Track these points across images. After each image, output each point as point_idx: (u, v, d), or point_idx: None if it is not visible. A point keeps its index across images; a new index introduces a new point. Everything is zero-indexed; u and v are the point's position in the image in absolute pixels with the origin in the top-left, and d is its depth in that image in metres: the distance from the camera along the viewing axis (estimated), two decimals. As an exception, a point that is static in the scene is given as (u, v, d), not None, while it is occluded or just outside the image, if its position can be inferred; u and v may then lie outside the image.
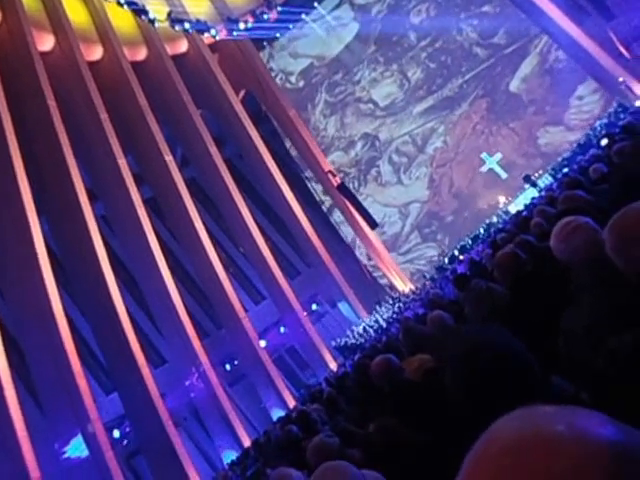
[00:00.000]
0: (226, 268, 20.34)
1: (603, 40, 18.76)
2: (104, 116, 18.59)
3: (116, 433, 17.45)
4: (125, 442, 17.80)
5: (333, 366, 18.00)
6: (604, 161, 5.60)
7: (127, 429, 17.66)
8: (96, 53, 20.65)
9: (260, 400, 18.72)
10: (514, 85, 22.26)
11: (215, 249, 19.91)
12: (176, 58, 22.33)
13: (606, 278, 1.71)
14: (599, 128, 17.77)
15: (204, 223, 20.22)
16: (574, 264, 2.16)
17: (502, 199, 20.40)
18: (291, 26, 24.48)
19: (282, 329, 20.76)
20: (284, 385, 18.50)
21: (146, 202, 19.41)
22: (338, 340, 18.96)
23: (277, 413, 16.72)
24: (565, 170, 15.32)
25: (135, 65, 21.03)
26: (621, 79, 18.96)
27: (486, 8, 22.62)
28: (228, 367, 20.01)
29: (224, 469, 14.73)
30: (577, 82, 21.18)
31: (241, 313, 18.96)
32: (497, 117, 22.23)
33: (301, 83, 24.29)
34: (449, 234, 21.96)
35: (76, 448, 15.02)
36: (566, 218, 2.25)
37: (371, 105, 23.85)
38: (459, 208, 22.47)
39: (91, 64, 19.82)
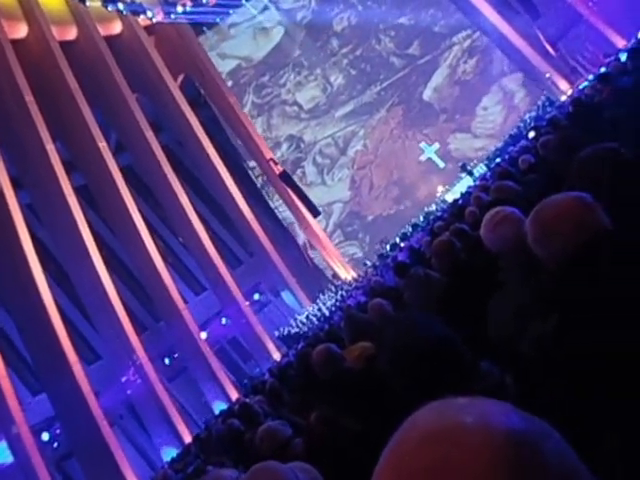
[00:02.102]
0: (164, 259, 19.89)
1: (531, 38, 19.65)
2: (29, 98, 17.62)
3: (45, 436, 16.67)
4: (55, 445, 17.07)
5: (277, 356, 18.00)
6: (532, 152, 5.83)
7: (57, 431, 16.97)
8: (20, 31, 19.51)
9: (201, 394, 18.48)
10: (427, 94, 23.88)
11: (153, 239, 19.43)
12: (109, 39, 21.46)
13: (529, 267, 1.79)
14: (528, 120, 18.49)
15: (141, 212, 19.67)
16: (502, 253, 2.25)
17: (440, 188, 20.92)
18: (231, 11, 24.13)
19: (224, 320, 20.56)
20: (226, 377, 18.33)
21: (77, 191, 18.65)
22: (281, 330, 18.97)
23: (219, 407, 16.54)
24: (498, 160, 15.85)
25: (64, 45, 20.05)
26: (548, 75, 19.89)
27: (402, 20, 24.05)
28: (167, 361, 19.63)
29: (163, 468, 14.50)
30: (482, 94, 23.11)
31: (181, 305, 18.61)
32: (412, 123, 23.68)
33: (229, 83, 24.40)
34: (369, 233, 23.13)
35: (0, 454, 14.34)
36: (494, 208, 2.33)
37: (296, 108, 24.73)
38: (398, 197, 23.41)
39: (14, 42, 18.73)
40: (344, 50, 24.60)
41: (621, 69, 7.55)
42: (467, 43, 23.64)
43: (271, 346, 19.13)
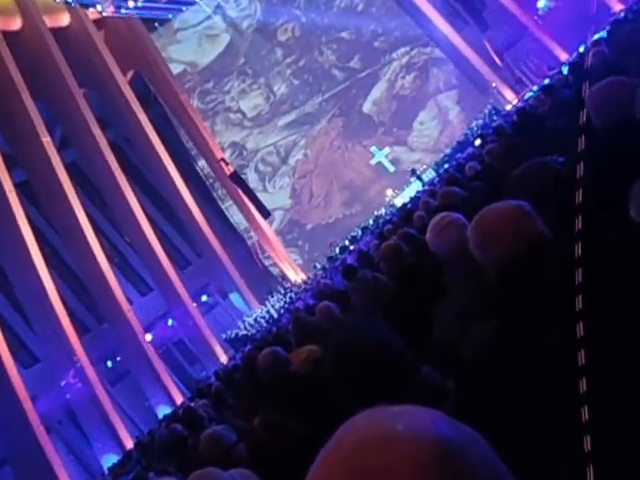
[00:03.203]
0: (110, 258, 19.32)
1: (480, 48, 20.29)
2: (-32, 90, 16.86)
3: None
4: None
5: (224, 359, 17.78)
6: (478, 160, 5.99)
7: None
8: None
9: (145, 398, 18.01)
10: (366, 107, 24.59)
11: (98, 238, 18.83)
12: (56, 31, 20.69)
13: (472, 272, 1.82)
14: (475, 128, 19.02)
15: (85, 210, 19.03)
16: (446, 258, 2.28)
17: (390, 192, 21.23)
18: (184, 8, 23.76)
19: (170, 322, 20.16)
20: (171, 381, 17.94)
21: (18, 187, 17.90)
22: (229, 332, 18.76)
23: (163, 411, 16.16)
24: (446, 166, 16.21)
25: (8, 35, 19.22)
26: (494, 84, 20.59)
27: (344, 34, 24.78)
28: (110, 364, 19.07)
29: (103, 475, 14.03)
30: (419, 109, 24.04)
31: (125, 306, 18.10)
32: (352, 135, 24.29)
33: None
34: (309, 241, 23.66)
35: None
36: (440, 214, 2.37)
37: (240, 115, 25.04)
38: (348, 201, 23.96)
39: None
40: (288, 60, 25.06)
41: (563, 82, 7.87)
42: (405, 59, 24.50)
43: (218, 349, 18.88)
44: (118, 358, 19.11)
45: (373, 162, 23.12)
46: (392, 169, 22.93)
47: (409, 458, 0.47)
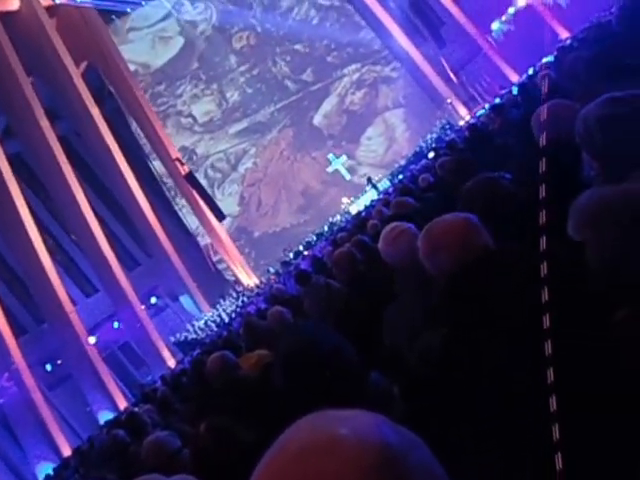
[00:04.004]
0: (53, 256, 18.67)
1: (436, 64, 20.84)
2: None
3: None
4: None
5: (171, 363, 17.43)
6: (432, 172, 6.14)
7: None
8: None
9: (86, 403, 17.42)
10: (317, 119, 25.09)
11: (41, 234, 18.14)
12: (4, 16, 19.87)
13: (421, 281, 1.88)
14: (430, 141, 19.46)
15: (29, 205, 18.32)
16: (398, 266, 2.34)
17: (345, 199, 21.43)
18: (143, 3, 23.33)
19: (116, 324, 19.62)
20: (115, 385, 17.43)
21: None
22: (178, 335, 18.42)
23: (105, 417, 15.66)
24: (400, 176, 16.49)
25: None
26: (449, 100, 21.18)
27: (298, 46, 25.21)
28: (49, 367, 18.35)
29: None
30: (367, 124, 24.70)
31: (68, 306, 17.45)
32: (301, 146, 24.73)
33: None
34: (255, 249, 23.91)
35: None
36: (392, 223, 2.43)
37: (191, 120, 25.02)
38: (295, 211, 24.31)
39: None
40: (242, 68, 25.17)
41: (513, 102, 8.16)
42: (356, 76, 25.05)
43: (166, 352, 18.48)
44: (58, 361, 18.42)
45: (330, 169, 23.41)
46: (348, 177, 23.26)
47: (352, 462, 0.47)
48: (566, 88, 3.40)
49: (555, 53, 8.11)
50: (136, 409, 6.20)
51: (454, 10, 20.22)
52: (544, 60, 12.98)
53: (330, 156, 23.41)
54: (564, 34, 16.51)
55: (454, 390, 1.56)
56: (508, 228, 2.08)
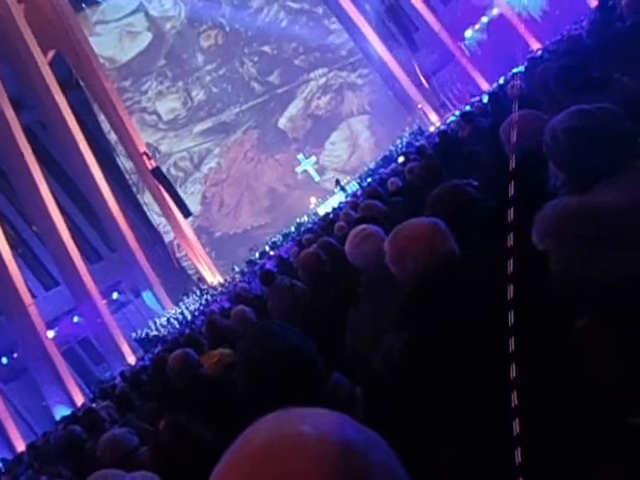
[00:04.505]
0: (13, 247, 18.15)
1: (409, 69, 21.07)
2: None
3: None
4: None
5: (131, 360, 17.14)
6: (400, 176, 6.19)
7: None
8: None
9: (42, 398, 16.99)
10: (282, 122, 25.30)
11: (2, 225, 17.68)
12: (-30, 1, 19.30)
13: (386, 284, 1.88)
14: (400, 145, 19.64)
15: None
16: (363, 269, 2.35)
17: (314, 200, 21.47)
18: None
19: (76, 319, 19.19)
20: (72, 380, 17.05)
21: None
22: (139, 332, 18.13)
23: (62, 412, 15.28)
24: (369, 180, 16.59)
25: None
26: (420, 105, 21.44)
27: (266, 48, 25.34)
28: (5, 360, 17.87)
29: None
30: (331, 129, 25.03)
31: (27, 299, 17.00)
32: (266, 148, 24.92)
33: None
34: (215, 249, 23.94)
35: None
36: (360, 226, 2.43)
37: (155, 117, 24.92)
38: (257, 213, 24.45)
39: None
40: (208, 67, 25.12)
41: (483, 110, 8.31)
42: (322, 81, 25.31)
43: (126, 349, 18.15)
44: (15, 354, 17.93)
45: (299, 169, 23.52)
46: (317, 178, 23.35)
47: (313, 459, 0.47)
48: (535, 99, 3.47)
49: (526, 64, 8.29)
50: (94, 405, 6.07)
51: (429, 17, 20.46)
52: (515, 70, 13.27)
53: (300, 156, 23.51)
54: (535, 45, 16.89)
55: (415, 392, 1.57)
56: (474, 235, 2.11)
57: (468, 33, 20.32)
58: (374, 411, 1.46)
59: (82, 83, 22.04)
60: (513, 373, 1.46)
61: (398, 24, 19.89)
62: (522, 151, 2.52)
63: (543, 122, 2.17)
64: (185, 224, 21.17)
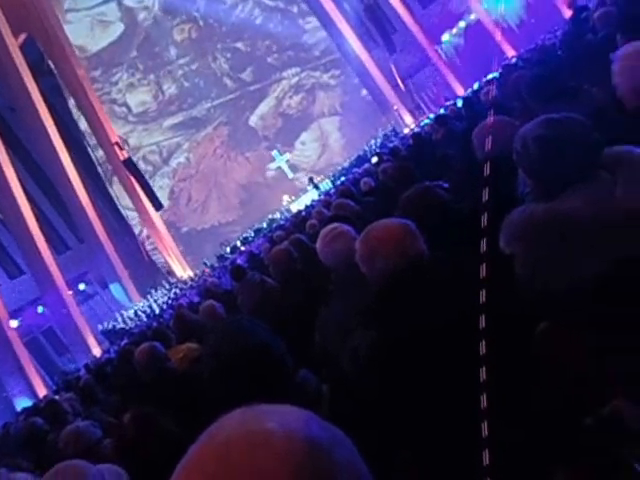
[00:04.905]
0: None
1: (386, 70, 21.18)
2: None
3: None
4: None
5: (97, 352, 16.88)
6: (373, 176, 6.24)
7: None
8: None
9: (3, 389, 16.60)
10: (253, 120, 25.28)
11: (-35, 211, 17.21)
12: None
13: (356, 283, 1.90)
14: (374, 146, 19.74)
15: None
16: (334, 267, 2.37)
17: (286, 197, 21.44)
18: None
19: (40, 309, 18.79)
20: (35, 371, 16.71)
21: None
22: (105, 324, 17.86)
23: (23, 404, 14.97)
24: (343, 178, 16.64)
25: None
26: (395, 107, 21.59)
27: (239, 44, 25.23)
28: (-35, 350, 17.37)
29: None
30: (302, 129, 25.08)
31: (-10, 287, 16.65)
32: (236, 145, 24.88)
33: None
34: (182, 244, 23.83)
35: None
36: (331, 224, 2.45)
37: (125, 109, 24.67)
38: (225, 209, 24.38)
39: None
40: (181, 61, 24.91)
41: (457, 114, 8.41)
42: (295, 80, 25.29)
43: (91, 341, 17.86)
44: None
45: (273, 165, 23.45)
46: (291, 175, 23.35)
47: (278, 456, 0.48)
48: (508, 105, 3.54)
49: (500, 70, 8.42)
50: (56, 397, 5.97)
51: (407, 18, 20.58)
52: (489, 76, 13.47)
53: (274, 152, 23.43)
54: (510, 52, 17.14)
55: (380, 392, 1.59)
56: (444, 237, 2.14)
57: (445, 37, 20.50)
58: (340, 409, 1.48)
59: (54, 69, 21.55)
60: (477, 375, 1.49)
61: (376, 24, 19.95)
62: (493, 156, 2.58)
63: (514, 129, 2.22)
64: (156, 216, 20.90)
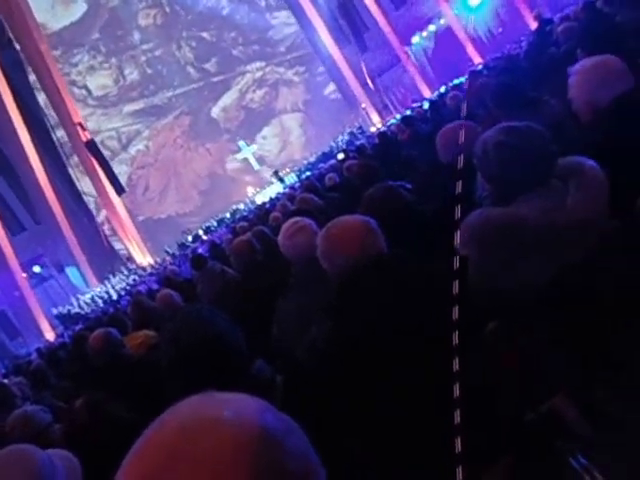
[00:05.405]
0: None
1: (356, 68, 21.27)
2: None
3: None
4: None
5: (50, 336, 16.48)
6: (338, 172, 6.29)
7: None
8: None
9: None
10: (215, 111, 25.22)
11: None
12: None
13: (316, 277, 1.93)
14: (341, 142, 19.80)
15: None
16: (294, 260, 2.39)
17: (251, 189, 21.34)
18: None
19: (-8, 290, 18.20)
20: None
21: None
22: (60, 308, 17.43)
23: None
24: (308, 173, 16.65)
25: None
26: (363, 105, 21.73)
27: (205, 34, 25.10)
28: None
29: None
30: (264, 124, 25.20)
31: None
32: (196, 135, 24.78)
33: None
34: (139, 232, 23.45)
35: None
36: (294, 218, 2.47)
37: (85, 91, 24.21)
38: (183, 200, 24.19)
39: None
40: (144, 47, 24.52)
41: (423, 116, 8.54)
42: (259, 74, 25.34)
43: (45, 325, 17.42)
44: None
45: (239, 156, 23.34)
46: (257, 167, 23.25)
47: (230, 443, 0.48)
48: (472, 111, 3.62)
49: (467, 76, 8.58)
50: (5, 381, 5.81)
51: (380, 18, 20.68)
52: (456, 81, 13.68)
53: (241, 143, 23.26)
54: (477, 59, 17.44)
55: (333, 384, 1.63)
56: (403, 236, 2.19)
57: (415, 39, 20.67)
58: (293, 399, 1.51)
59: (15, 43, 20.81)
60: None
61: (349, 22, 20.00)
62: (454, 160, 2.65)
63: (477, 134, 2.28)
64: (117, 201, 20.48)
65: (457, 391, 1.48)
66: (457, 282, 1.72)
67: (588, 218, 1.77)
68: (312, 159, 20.17)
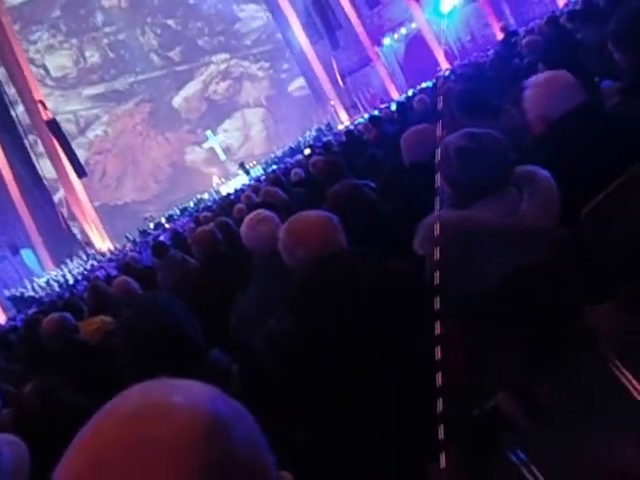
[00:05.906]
0: None
1: (327, 64, 21.31)
2: None
3: None
4: None
5: (1, 318, 15.99)
6: (304, 168, 6.32)
7: None
8: None
9: None
10: (177, 101, 24.85)
11: None
12: None
13: (276, 270, 1.96)
14: (308, 137, 19.81)
15: None
16: (256, 252, 2.41)
17: (216, 179, 21.15)
18: None
19: (-60, 270, 17.53)
20: None
21: None
22: (13, 290, 16.92)
23: None
24: (274, 167, 16.61)
25: None
26: (332, 102, 21.81)
27: (170, 22, 24.70)
28: None
29: None
30: (226, 117, 24.97)
31: None
32: (156, 124, 24.37)
33: None
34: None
35: None
36: (258, 210, 2.49)
37: (42, 71, 23.36)
38: (140, 188, 23.79)
39: None
40: (107, 29, 23.96)
41: (389, 117, 8.64)
42: (223, 66, 25.06)
43: (-5, 307, 16.90)
44: None
45: (206, 145, 23.09)
46: (223, 157, 23.05)
47: (179, 428, 0.48)
48: (438, 115, 3.70)
49: (434, 81, 8.73)
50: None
51: (353, 17, 20.76)
52: (423, 85, 13.86)
53: (208, 132, 23.01)
54: (445, 65, 17.69)
55: (290, 374, 1.67)
56: (365, 234, 2.24)
57: (386, 40, 20.82)
58: (248, 389, 1.53)
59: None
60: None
61: (323, 18, 19.99)
62: (417, 162, 2.71)
63: (440, 138, 2.35)
64: (77, 184, 19.97)
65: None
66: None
67: (539, 225, 1.85)
68: (279, 153, 20.11)
